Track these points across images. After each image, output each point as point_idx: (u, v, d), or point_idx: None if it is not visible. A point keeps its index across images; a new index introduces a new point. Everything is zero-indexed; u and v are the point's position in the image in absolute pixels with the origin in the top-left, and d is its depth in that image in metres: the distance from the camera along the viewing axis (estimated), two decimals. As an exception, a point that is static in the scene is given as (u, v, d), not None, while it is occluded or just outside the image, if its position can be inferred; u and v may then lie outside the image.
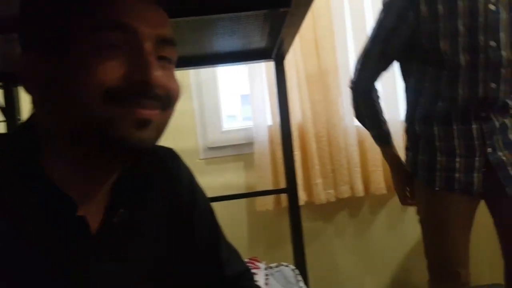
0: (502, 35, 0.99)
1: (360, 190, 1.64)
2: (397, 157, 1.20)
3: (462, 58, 0.99)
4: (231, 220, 1.69)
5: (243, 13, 0.84)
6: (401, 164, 1.19)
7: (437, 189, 1.06)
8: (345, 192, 1.65)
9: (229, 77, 1.92)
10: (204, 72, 1.72)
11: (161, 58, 0.46)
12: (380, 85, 1.54)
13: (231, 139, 1.73)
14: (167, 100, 0.46)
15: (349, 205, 1.75)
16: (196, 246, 0.60)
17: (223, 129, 1.75)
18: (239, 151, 1.72)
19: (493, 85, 1.00)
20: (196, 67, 1.50)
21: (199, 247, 0.60)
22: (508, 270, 1.12)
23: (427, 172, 1.09)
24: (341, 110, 1.67)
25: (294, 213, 1.21)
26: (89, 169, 0.47)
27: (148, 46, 0.44)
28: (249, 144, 1.69)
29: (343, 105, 1.67)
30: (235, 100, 2.14)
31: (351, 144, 1.66)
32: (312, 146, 1.64)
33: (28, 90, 0.45)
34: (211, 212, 0.65)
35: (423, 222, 1.14)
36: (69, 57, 0.42)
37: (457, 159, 1.05)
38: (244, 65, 1.65)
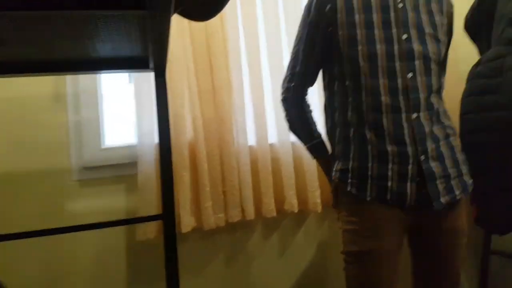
0: (413, 31, 1.05)
1: (251, 213, 1.57)
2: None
3: (379, 47, 1.03)
4: (108, 251, 1.50)
5: (97, 12, 0.72)
6: None
7: (368, 199, 1.02)
8: (235, 216, 1.56)
9: (115, 89, 1.74)
10: (83, 81, 1.52)
11: None
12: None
13: (112, 158, 1.54)
14: None
15: (240, 230, 1.67)
16: None
17: (103, 147, 1.55)
18: (120, 171, 1.54)
19: (410, 74, 1.02)
20: (62, 73, 1.30)
21: None
22: None
23: (358, 180, 1.04)
24: (234, 129, 1.60)
25: (169, 242, 1.07)
26: None
27: None
28: (132, 163, 1.52)
29: (237, 123, 1.61)
30: (123, 115, 1.96)
31: (244, 163, 1.59)
32: (204, 166, 1.53)
33: None
34: None
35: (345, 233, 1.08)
36: None
37: (390, 166, 1.01)
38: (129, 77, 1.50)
